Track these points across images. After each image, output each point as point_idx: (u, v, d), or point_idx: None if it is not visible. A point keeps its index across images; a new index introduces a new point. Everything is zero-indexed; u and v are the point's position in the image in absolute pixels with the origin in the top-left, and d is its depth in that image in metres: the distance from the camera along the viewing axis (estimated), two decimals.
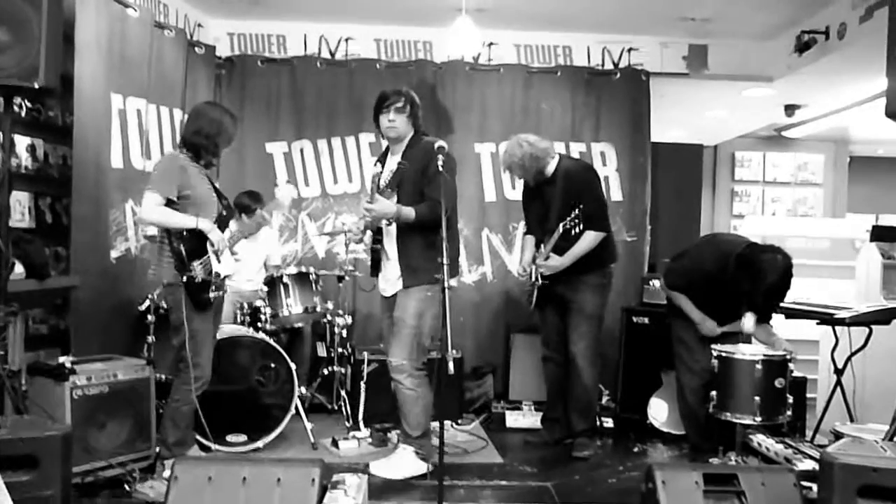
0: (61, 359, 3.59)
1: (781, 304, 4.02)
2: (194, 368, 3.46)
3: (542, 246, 4.15)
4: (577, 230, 3.97)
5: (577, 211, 3.92)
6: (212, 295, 3.49)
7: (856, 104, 6.25)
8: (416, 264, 3.68)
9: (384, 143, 4.01)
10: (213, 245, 3.47)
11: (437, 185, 3.43)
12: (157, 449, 3.61)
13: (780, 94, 6.18)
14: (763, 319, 3.96)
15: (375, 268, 3.93)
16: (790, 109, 6.76)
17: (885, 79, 3.08)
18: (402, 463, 3.72)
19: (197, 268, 3.42)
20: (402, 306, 3.71)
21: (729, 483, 2.99)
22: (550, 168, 4.15)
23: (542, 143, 4.16)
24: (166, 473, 3.15)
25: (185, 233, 3.42)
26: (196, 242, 3.45)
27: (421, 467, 3.70)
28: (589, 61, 5.60)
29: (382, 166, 3.88)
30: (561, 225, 3.97)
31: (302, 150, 5.50)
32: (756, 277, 3.68)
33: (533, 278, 4.21)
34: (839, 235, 6.08)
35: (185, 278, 3.39)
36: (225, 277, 3.61)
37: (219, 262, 3.52)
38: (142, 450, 3.65)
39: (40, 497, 2.54)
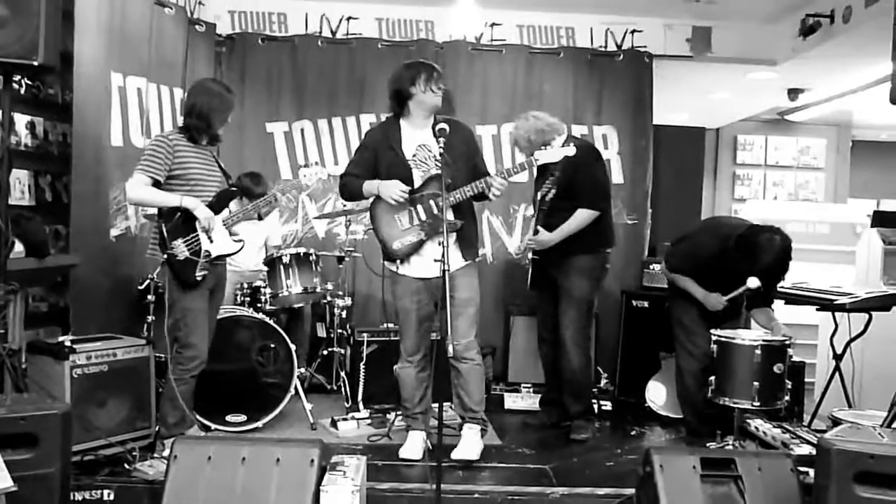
0: (61, 337, 3.60)
1: (781, 290, 4.03)
2: (188, 348, 3.46)
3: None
4: (550, 196, 3.99)
5: (552, 177, 3.92)
6: (199, 274, 3.45)
7: (860, 88, 6.22)
8: (471, 237, 3.71)
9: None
10: (199, 223, 3.46)
11: (484, 163, 3.69)
12: (157, 428, 3.62)
13: (783, 77, 6.15)
14: (764, 303, 3.97)
15: (417, 248, 3.64)
16: (793, 93, 6.73)
17: (890, 63, 3.07)
18: (475, 442, 3.71)
19: (178, 246, 3.41)
20: (466, 284, 3.64)
21: (726, 467, 3.01)
22: (556, 145, 4.07)
23: (550, 119, 4.13)
24: (166, 452, 3.16)
25: (166, 211, 3.41)
26: (181, 221, 3.43)
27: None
28: (592, 43, 5.55)
29: (397, 148, 3.62)
30: (539, 193, 3.96)
31: (303, 130, 5.47)
32: (754, 257, 3.69)
33: (528, 256, 4.23)
34: (840, 220, 6.07)
35: (165, 256, 3.39)
36: (219, 257, 3.58)
37: (210, 241, 3.50)
38: (141, 428, 3.66)
39: (40, 475, 2.56)
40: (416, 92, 3.57)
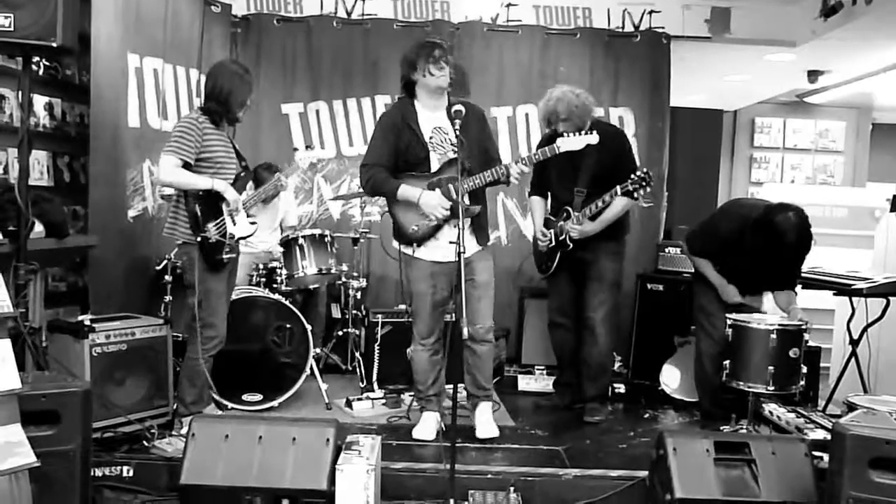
0: (81, 317, 3.65)
1: (801, 273, 4.01)
2: (209, 328, 3.51)
3: (569, 209, 4.01)
4: (641, 194, 3.89)
5: (636, 175, 3.80)
6: (225, 256, 3.51)
7: (881, 70, 6.13)
8: (484, 223, 3.71)
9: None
10: (228, 205, 3.49)
11: (496, 148, 3.74)
12: (175, 406, 3.67)
13: (803, 59, 6.06)
14: (786, 285, 3.95)
15: (433, 233, 3.63)
16: (813, 75, 6.64)
17: None
18: (491, 419, 3.78)
19: (211, 229, 3.44)
20: (484, 268, 3.66)
21: (740, 451, 3.02)
22: (592, 140, 3.86)
23: (591, 98, 4.06)
24: (184, 430, 3.21)
25: (200, 193, 3.43)
26: (212, 203, 3.47)
27: None
28: (609, 23, 5.49)
29: (416, 128, 3.59)
30: (619, 188, 3.84)
31: (318, 112, 5.47)
32: (774, 239, 3.66)
33: (554, 242, 4.12)
34: (859, 204, 6.02)
35: (199, 238, 3.42)
36: (240, 239, 3.63)
37: (234, 223, 3.53)
38: (159, 406, 3.70)
39: (62, 451, 2.61)
40: (418, 77, 3.56)
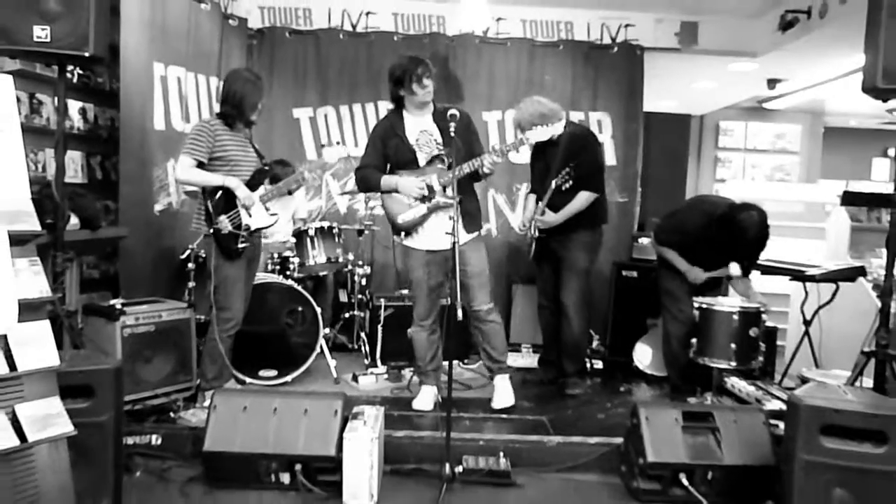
0: (112, 301, 3.64)
1: (759, 261, 4.01)
2: (225, 311, 3.50)
3: (539, 202, 4.10)
4: (567, 186, 3.93)
5: (567, 169, 3.87)
6: (240, 246, 3.49)
7: (833, 78, 6.12)
8: (473, 212, 3.70)
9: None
10: (240, 200, 3.47)
11: (480, 146, 3.65)
12: (198, 381, 3.66)
13: (763, 68, 6.05)
14: (744, 273, 3.96)
15: (421, 222, 3.64)
16: (772, 83, 6.63)
17: (863, 55, 3.02)
18: (507, 390, 3.78)
19: (223, 221, 3.43)
20: (477, 257, 3.65)
21: (705, 420, 3.04)
22: (556, 130, 4.01)
23: (552, 105, 4.05)
24: (206, 403, 3.21)
25: (214, 190, 3.42)
26: (225, 198, 3.45)
27: None
28: (589, 36, 5.47)
29: (402, 135, 3.61)
30: (553, 182, 3.93)
31: (326, 116, 5.45)
32: (735, 235, 3.68)
33: (531, 232, 4.19)
34: (812, 200, 6.02)
35: (211, 230, 3.42)
36: (257, 230, 3.61)
37: (249, 215, 3.52)
38: (184, 382, 3.70)
39: (96, 422, 2.60)
40: (405, 93, 3.58)
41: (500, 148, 3.64)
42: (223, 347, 3.49)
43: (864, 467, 2.49)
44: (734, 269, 3.86)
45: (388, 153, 3.65)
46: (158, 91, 4.28)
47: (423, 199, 3.58)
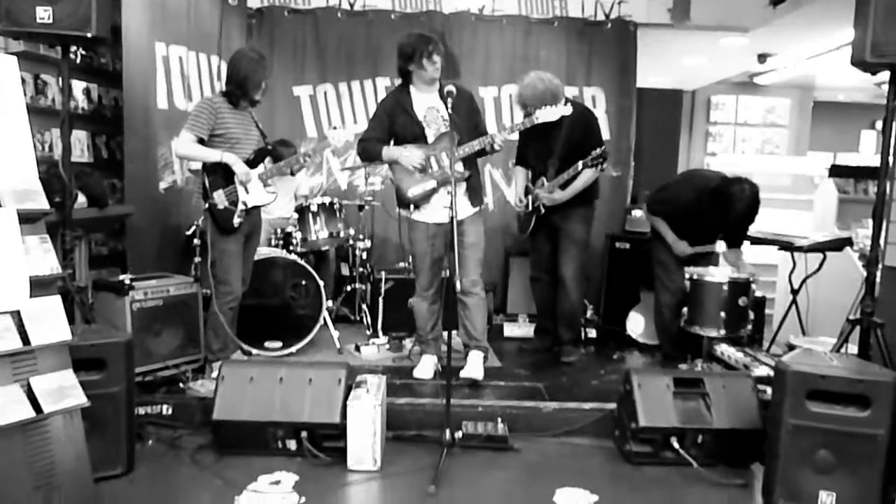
0: (121, 276, 3.64)
1: (749, 233, 4.02)
2: (224, 285, 3.49)
3: (544, 179, 4.03)
4: (601, 167, 3.85)
5: (597, 151, 3.76)
6: (236, 221, 3.45)
7: (822, 53, 6.08)
8: (477, 187, 3.69)
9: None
10: (238, 177, 3.45)
11: (484, 123, 3.64)
12: (205, 353, 3.68)
13: (754, 43, 6.00)
14: (734, 244, 3.97)
15: (429, 195, 3.61)
16: (762, 58, 6.58)
17: (851, 30, 2.99)
18: (478, 364, 3.74)
19: (220, 196, 3.41)
20: (474, 231, 3.64)
21: (695, 386, 3.07)
22: (566, 111, 3.76)
23: (556, 81, 3.95)
24: (214, 374, 3.23)
25: (213, 166, 3.40)
26: (222, 175, 3.43)
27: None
28: (583, 13, 5.39)
29: (410, 111, 3.58)
30: (581, 163, 3.81)
31: (325, 93, 5.40)
32: (727, 207, 3.68)
33: (530, 208, 4.15)
34: (800, 172, 6.01)
35: (207, 205, 3.41)
36: (255, 207, 3.57)
37: (247, 192, 3.49)
38: (192, 354, 3.72)
39: (108, 393, 2.63)
40: (414, 68, 3.54)
41: (510, 126, 3.62)
42: (224, 319, 3.49)
43: (848, 430, 2.52)
44: (720, 247, 3.87)
45: (395, 129, 3.63)
46: (161, 71, 4.23)
47: (422, 171, 3.56)
